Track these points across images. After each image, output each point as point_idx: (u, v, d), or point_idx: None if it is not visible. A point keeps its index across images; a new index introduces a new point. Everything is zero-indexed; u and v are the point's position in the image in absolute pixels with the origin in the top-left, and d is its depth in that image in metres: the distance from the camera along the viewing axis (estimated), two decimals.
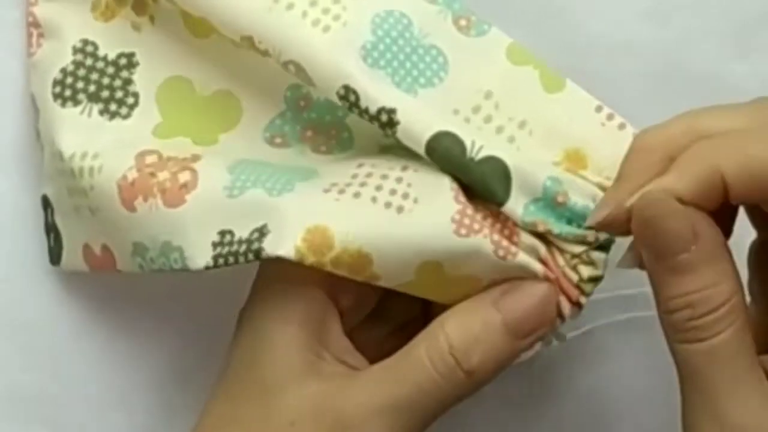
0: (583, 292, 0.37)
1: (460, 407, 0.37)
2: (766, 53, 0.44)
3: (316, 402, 0.36)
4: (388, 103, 0.36)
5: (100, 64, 0.41)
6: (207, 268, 0.37)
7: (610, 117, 0.38)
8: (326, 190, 0.36)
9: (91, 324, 0.44)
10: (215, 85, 0.41)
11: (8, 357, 0.44)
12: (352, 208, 0.36)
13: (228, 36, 0.39)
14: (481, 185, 0.36)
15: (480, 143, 0.36)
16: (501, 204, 0.36)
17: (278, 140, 0.40)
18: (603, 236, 0.36)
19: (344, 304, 0.38)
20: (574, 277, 0.37)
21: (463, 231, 0.35)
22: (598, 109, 0.38)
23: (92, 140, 0.40)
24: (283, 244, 0.35)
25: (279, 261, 0.36)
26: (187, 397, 0.44)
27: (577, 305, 0.37)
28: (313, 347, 0.37)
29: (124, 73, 0.41)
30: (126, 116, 0.40)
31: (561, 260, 0.37)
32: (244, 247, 0.36)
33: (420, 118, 0.36)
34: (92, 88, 0.40)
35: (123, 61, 0.41)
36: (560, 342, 0.39)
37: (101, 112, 0.40)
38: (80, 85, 0.40)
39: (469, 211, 0.36)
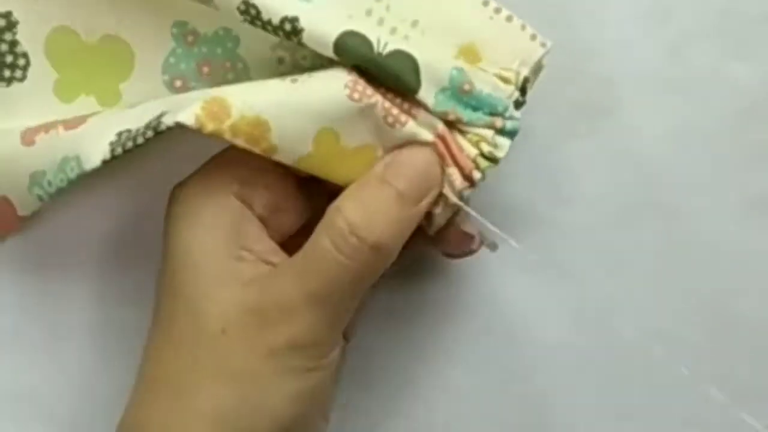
0: (477, 167, 0.37)
1: None
2: (766, 53, 0.44)
3: (241, 305, 0.36)
4: (290, 12, 0.37)
5: None
6: (104, 161, 0.37)
7: (497, 10, 0.38)
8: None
9: (92, 324, 0.44)
10: (101, 31, 0.41)
11: (9, 357, 0.44)
12: (247, 77, 0.38)
13: None
14: (393, 78, 0.37)
15: (385, 40, 0.37)
16: (414, 92, 0.37)
17: (178, 83, 0.41)
18: (510, 122, 0.37)
19: (259, 207, 0.38)
20: (473, 152, 0.37)
21: (356, 96, 0.36)
22: (485, 3, 0.39)
23: (1, 114, 0.40)
24: (181, 114, 0.36)
25: (189, 178, 0.38)
26: None
27: (469, 180, 0.37)
28: (232, 251, 0.37)
29: (8, 35, 0.40)
30: (22, 78, 0.41)
31: (460, 138, 0.37)
32: (141, 130, 0.37)
33: (323, 22, 0.37)
34: None
35: (2, 22, 0.40)
36: (492, 250, 0.40)
37: None
38: None
39: (363, 80, 0.37)
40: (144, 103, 0.38)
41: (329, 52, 0.37)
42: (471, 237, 0.40)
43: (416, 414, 0.44)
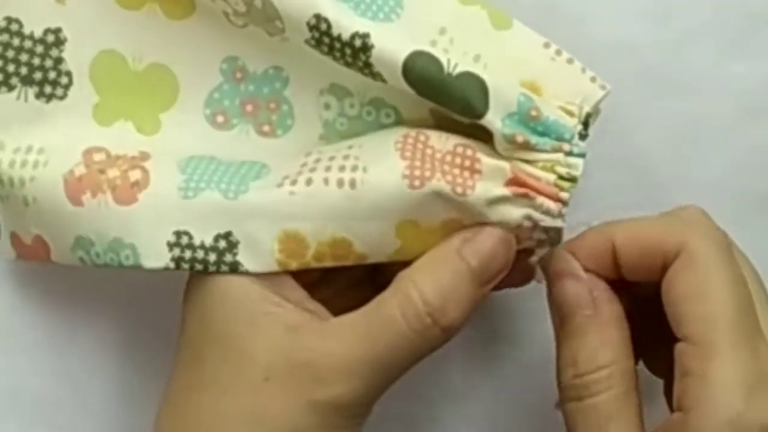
0: (563, 189, 0.37)
1: None
2: (766, 53, 0.44)
3: (288, 354, 0.35)
4: (362, 28, 0.36)
5: (28, 44, 0.40)
6: (166, 269, 0.37)
7: (558, 52, 0.38)
8: (279, 185, 0.37)
9: (92, 324, 0.44)
10: (148, 59, 0.40)
11: (9, 357, 0.44)
12: (309, 199, 0.36)
13: None
14: (461, 100, 0.36)
15: (455, 61, 0.36)
16: (480, 116, 0.36)
17: (220, 118, 0.40)
18: (576, 147, 0.37)
19: None
20: (552, 178, 0.37)
21: (417, 183, 0.36)
22: (546, 45, 0.39)
23: (35, 131, 0.40)
24: (262, 261, 0.37)
25: None
26: None
27: (560, 201, 0.37)
28: (270, 297, 0.37)
29: (54, 52, 0.40)
30: (62, 97, 0.40)
31: (533, 169, 0.37)
32: (213, 257, 0.37)
33: (394, 41, 0.36)
34: (24, 70, 0.40)
35: (50, 38, 0.40)
36: (540, 281, 0.40)
37: (37, 96, 0.40)
38: (11, 68, 0.40)
39: (418, 162, 0.36)
40: (196, 173, 0.38)
41: (397, 72, 0.36)
42: (532, 270, 0.40)
43: (416, 414, 0.44)
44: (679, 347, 0.35)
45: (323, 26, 0.36)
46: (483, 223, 0.36)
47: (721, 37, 0.43)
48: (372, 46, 0.36)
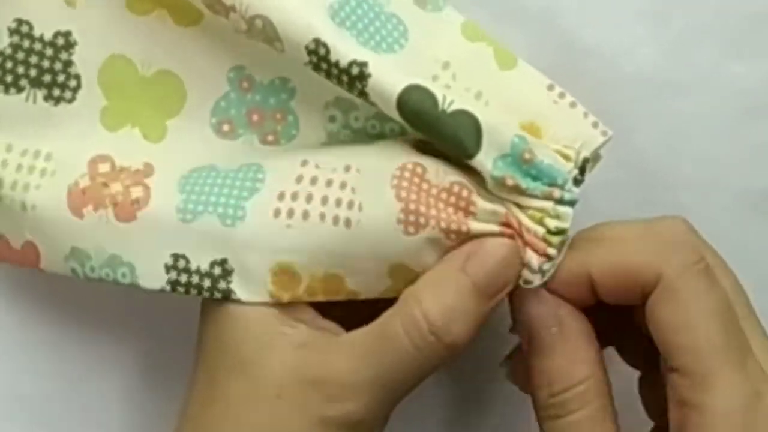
0: (550, 244, 0.36)
1: None
2: (766, 53, 0.44)
3: (298, 371, 0.36)
4: (360, 57, 0.36)
5: (37, 46, 0.40)
6: (162, 291, 0.38)
7: (561, 95, 0.38)
8: (276, 212, 0.37)
9: (92, 324, 0.44)
10: (157, 65, 0.40)
11: (9, 357, 0.44)
12: (305, 234, 0.37)
13: None
14: (453, 138, 0.36)
15: (451, 98, 0.36)
16: (471, 157, 0.36)
17: (226, 127, 0.40)
18: (568, 194, 0.37)
19: None
20: (540, 231, 0.36)
21: (411, 229, 0.36)
22: (550, 87, 0.38)
23: (43, 133, 0.40)
24: (255, 291, 0.37)
25: None
26: None
27: (545, 256, 0.36)
28: (285, 319, 0.37)
29: (63, 55, 0.40)
30: (71, 100, 0.40)
31: (524, 218, 0.36)
32: (208, 282, 0.37)
33: (391, 72, 0.36)
34: (34, 72, 0.40)
35: (60, 41, 0.40)
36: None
37: (46, 98, 0.40)
38: (21, 70, 0.40)
39: (413, 205, 0.36)
40: (194, 192, 0.38)
41: (391, 104, 0.36)
42: None
43: (416, 414, 0.44)
44: (672, 378, 0.35)
45: (322, 51, 0.37)
46: (487, 236, 0.36)
47: (721, 37, 0.43)
48: (369, 75, 0.36)
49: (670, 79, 0.43)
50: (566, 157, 0.37)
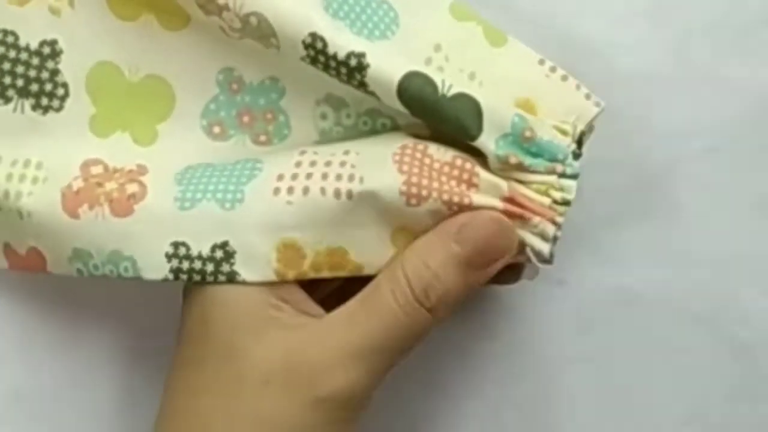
0: (558, 213, 0.37)
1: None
2: (766, 53, 0.43)
3: (286, 356, 0.36)
4: (357, 48, 0.36)
5: (24, 56, 0.40)
6: (165, 280, 0.37)
7: (552, 69, 0.39)
8: (275, 191, 0.37)
9: (92, 324, 0.44)
10: (144, 70, 0.40)
11: (9, 357, 0.44)
12: (306, 208, 0.37)
13: None
14: (455, 121, 0.36)
15: (450, 82, 0.36)
16: (473, 138, 0.36)
17: (216, 129, 0.40)
18: (570, 168, 0.37)
19: None
20: (546, 201, 0.37)
21: (414, 201, 0.36)
22: (541, 62, 0.39)
23: (32, 143, 0.40)
24: (260, 270, 0.37)
25: None
26: None
27: (555, 224, 0.37)
28: (269, 300, 0.37)
29: (50, 64, 0.40)
30: (59, 109, 0.40)
31: (529, 192, 0.37)
32: (211, 267, 0.37)
33: (389, 61, 0.37)
34: (20, 82, 0.40)
35: (46, 50, 0.40)
36: (530, 278, 0.40)
37: (33, 107, 0.40)
38: (8, 80, 0.40)
39: (415, 178, 0.36)
40: (192, 183, 0.38)
41: (392, 92, 0.36)
42: (519, 269, 0.40)
43: (415, 413, 0.44)
44: None
45: (319, 45, 0.37)
46: (482, 209, 0.36)
47: (721, 37, 0.43)
48: (367, 66, 0.36)
49: (670, 79, 0.43)
50: (564, 132, 0.37)
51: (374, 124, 0.39)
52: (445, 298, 0.36)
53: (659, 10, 0.43)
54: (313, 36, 0.36)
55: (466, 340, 0.44)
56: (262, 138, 0.40)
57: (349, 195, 0.36)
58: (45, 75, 0.40)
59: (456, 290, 0.36)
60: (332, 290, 0.40)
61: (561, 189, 0.37)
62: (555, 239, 0.37)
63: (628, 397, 0.44)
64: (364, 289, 0.36)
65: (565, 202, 0.37)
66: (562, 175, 0.37)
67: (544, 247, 0.37)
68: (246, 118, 0.40)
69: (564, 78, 0.38)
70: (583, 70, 0.42)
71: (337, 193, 0.36)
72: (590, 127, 0.38)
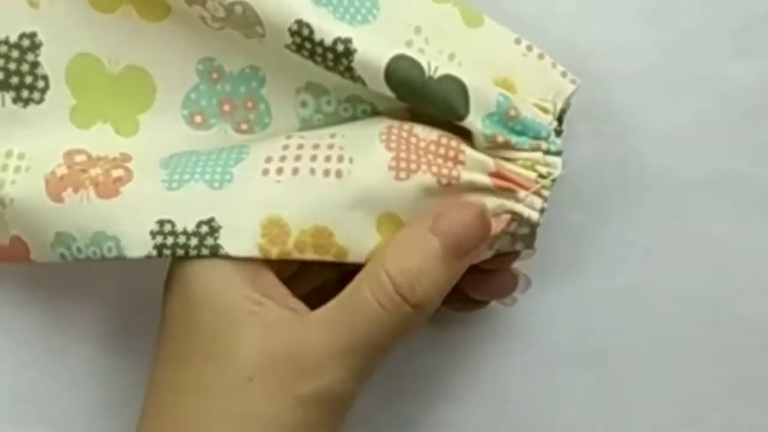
0: (544, 187, 0.38)
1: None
2: (766, 53, 0.43)
3: (270, 352, 0.35)
4: (343, 33, 0.37)
5: (3, 49, 0.40)
6: (148, 257, 0.37)
7: (529, 48, 0.39)
8: (264, 171, 0.37)
9: (91, 324, 0.44)
10: (124, 61, 0.40)
11: (8, 357, 0.44)
12: (295, 188, 0.37)
13: None
14: (443, 102, 0.37)
15: (435, 64, 0.37)
16: (462, 119, 0.37)
17: (198, 118, 0.40)
18: (553, 145, 0.38)
19: (274, 267, 0.38)
20: (531, 175, 0.38)
21: (403, 174, 0.36)
22: (518, 41, 0.40)
23: (14, 135, 0.40)
24: (244, 245, 0.37)
25: None
26: None
27: (542, 197, 0.38)
28: (252, 295, 0.36)
29: (30, 56, 0.40)
30: (39, 101, 0.40)
31: (515, 167, 0.37)
32: (195, 241, 0.37)
33: (375, 45, 0.37)
34: (1, 75, 0.40)
35: (26, 42, 0.40)
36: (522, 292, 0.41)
37: (14, 100, 0.40)
38: None
39: (403, 154, 0.37)
40: (179, 166, 0.38)
41: (379, 76, 0.37)
42: (516, 279, 0.41)
43: (416, 414, 0.44)
44: None
45: (305, 32, 0.37)
46: (477, 187, 0.37)
47: (721, 37, 0.43)
48: (354, 51, 0.37)
49: (670, 79, 0.43)
50: (545, 110, 0.38)
51: (354, 110, 0.40)
52: (431, 292, 0.36)
53: (659, 10, 0.43)
54: (299, 23, 0.37)
55: (466, 340, 0.44)
56: (244, 126, 0.40)
57: (339, 174, 0.37)
58: (25, 68, 0.40)
59: (440, 283, 0.36)
60: (314, 288, 0.40)
61: (546, 164, 0.38)
62: (542, 211, 0.38)
63: (627, 397, 0.44)
64: (347, 288, 0.36)
65: (551, 178, 0.38)
66: (547, 152, 0.38)
67: (534, 215, 0.37)
68: (227, 107, 0.40)
69: (540, 57, 0.39)
70: (583, 70, 0.42)
71: (327, 173, 0.37)
72: (568, 104, 0.39)
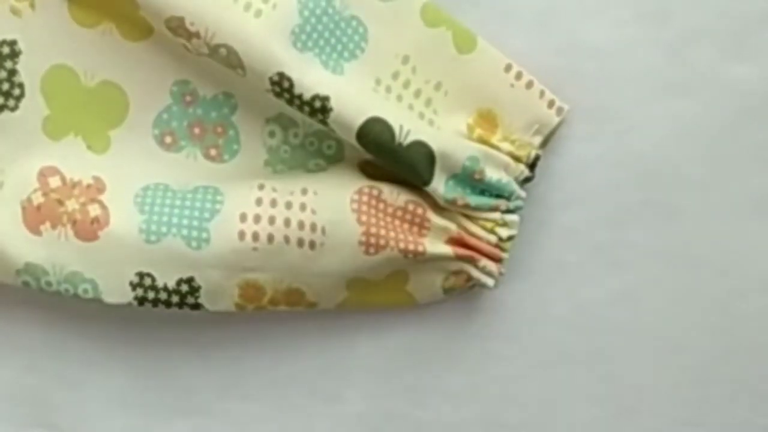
0: (503, 250, 0.41)
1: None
2: (766, 53, 0.43)
3: None
4: (322, 91, 0.38)
5: None
6: (129, 305, 0.39)
7: (518, 76, 0.40)
8: (241, 235, 0.39)
9: (92, 325, 0.44)
10: (100, 76, 0.41)
11: (8, 357, 0.44)
12: (270, 255, 0.39)
13: (150, 16, 0.39)
14: (409, 168, 0.39)
15: (407, 127, 0.38)
16: (425, 184, 0.39)
17: (168, 139, 0.41)
18: (513, 203, 0.40)
19: None
20: (493, 239, 0.40)
21: (372, 250, 0.39)
22: (508, 68, 0.40)
23: None
24: (223, 303, 0.40)
25: None
26: (188, 398, 0.44)
27: (500, 261, 0.41)
28: None
29: (8, 64, 0.40)
30: (14, 108, 0.40)
31: (477, 229, 0.40)
32: (176, 298, 0.39)
33: (352, 104, 0.38)
34: None
35: (6, 50, 0.40)
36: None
37: None
38: None
39: (373, 228, 0.39)
40: (155, 214, 0.39)
41: (352, 135, 0.38)
42: None
43: (415, 415, 0.44)
44: None
45: (285, 84, 0.38)
46: (440, 256, 0.40)
47: (721, 37, 0.43)
48: (330, 110, 0.38)
49: (670, 79, 0.43)
50: (518, 159, 0.40)
51: (320, 145, 0.41)
52: None
53: (659, 10, 0.43)
54: (281, 75, 0.38)
55: (466, 339, 0.44)
56: (213, 152, 0.41)
57: (312, 245, 0.39)
58: (3, 74, 0.40)
59: None
60: None
61: (505, 224, 0.40)
62: (500, 273, 0.41)
63: (627, 397, 0.44)
64: None
65: (510, 238, 0.40)
66: (506, 211, 0.40)
67: (489, 282, 0.40)
68: (197, 130, 0.41)
69: (529, 85, 0.40)
70: (583, 70, 0.42)
71: (300, 243, 0.39)
72: (552, 134, 0.41)
